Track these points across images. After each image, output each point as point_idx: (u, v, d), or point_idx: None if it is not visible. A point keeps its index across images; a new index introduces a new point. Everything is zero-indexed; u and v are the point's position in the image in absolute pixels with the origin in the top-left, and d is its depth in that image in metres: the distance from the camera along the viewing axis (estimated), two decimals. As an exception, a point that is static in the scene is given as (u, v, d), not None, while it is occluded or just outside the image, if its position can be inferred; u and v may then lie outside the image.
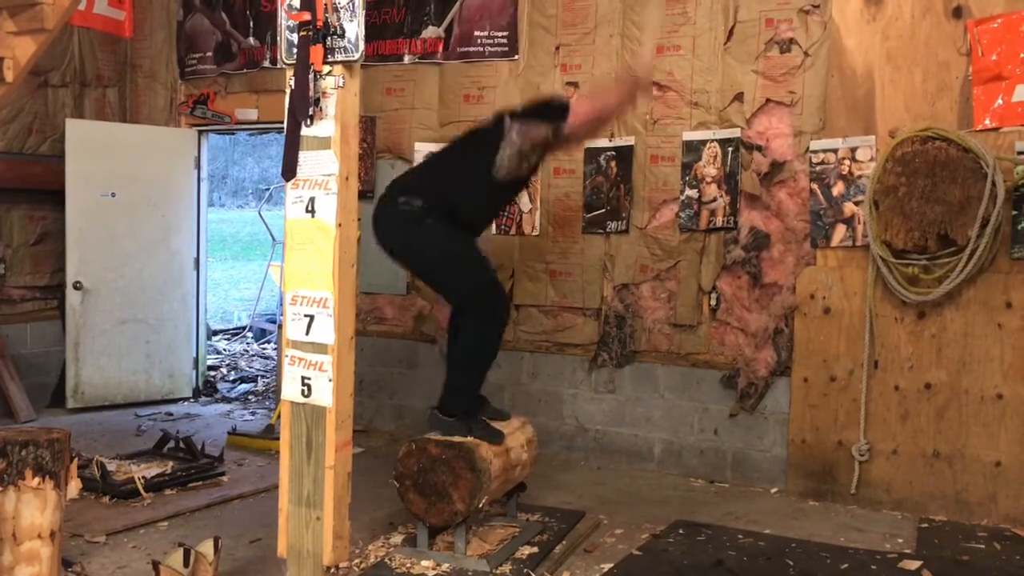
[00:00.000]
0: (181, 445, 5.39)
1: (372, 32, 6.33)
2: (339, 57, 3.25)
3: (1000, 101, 4.72)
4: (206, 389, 7.64)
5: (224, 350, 9.69)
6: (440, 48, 6.27)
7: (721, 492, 5.29)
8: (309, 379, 3.37)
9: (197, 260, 7.46)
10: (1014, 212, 4.67)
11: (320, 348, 3.36)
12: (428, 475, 3.86)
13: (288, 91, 3.31)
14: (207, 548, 3.44)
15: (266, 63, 6.93)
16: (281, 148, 3.42)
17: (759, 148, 5.34)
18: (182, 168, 7.35)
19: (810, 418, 5.15)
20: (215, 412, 7.10)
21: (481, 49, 6.13)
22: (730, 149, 5.40)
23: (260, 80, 7.01)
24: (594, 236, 5.79)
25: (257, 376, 8.35)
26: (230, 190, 29.78)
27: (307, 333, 3.38)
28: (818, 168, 5.15)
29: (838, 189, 5.10)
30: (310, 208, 3.35)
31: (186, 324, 7.40)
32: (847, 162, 5.07)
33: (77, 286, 6.85)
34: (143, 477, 4.86)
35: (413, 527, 4.14)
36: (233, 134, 8.42)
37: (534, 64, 5.97)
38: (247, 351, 9.68)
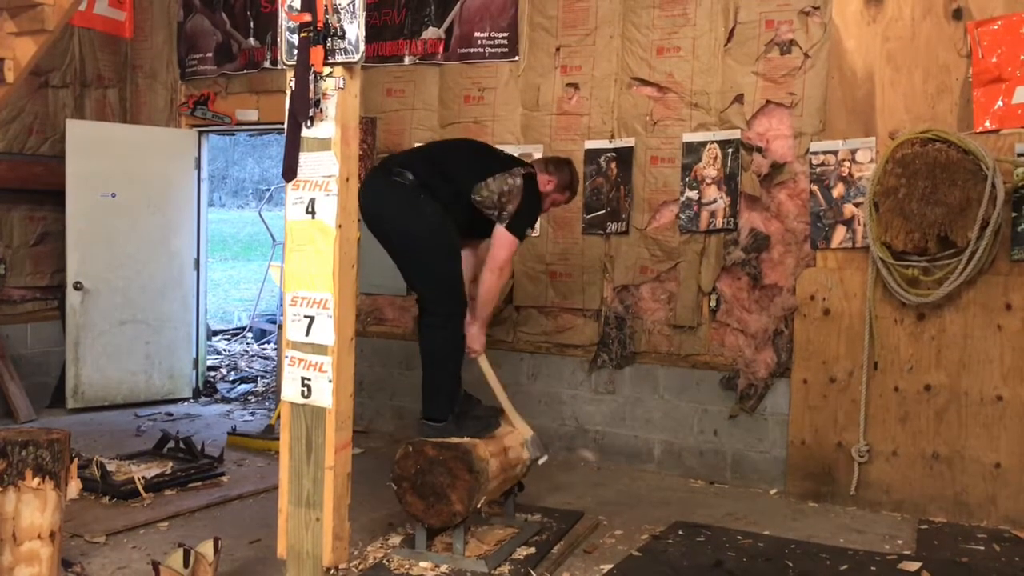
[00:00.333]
0: (181, 445, 5.39)
1: (372, 33, 6.33)
2: (339, 58, 3.25)
3: (1000, 103, 4.72)
4: (206, 389, 7.64)
5: (224, 350, 9.70)
6: (440, 49, 6.27)
7: (721, 493, 5.29)
8: (309, 380, 3.37)
9: (197, 260, 7.46)
10: (1014, 214, 4.68)
11: (320, 349, 3.36)
12: (426, 476, 3.86)
13: (288, 92, 3.31)
14: (207, 549, 3.44)
15: (266, 64, 6.94)
16: (281, 149, 3.42)
17: (759, 149, 5.35)
18: (182, 168, 7.35)
19: (810, 419, 5.15)
20: (215, 412, 7.10)
21: (481, 50, 6.13)
22: (730, 150, 5.40)
23: (260, 81, 7.02)
24: (594, 237, 5.80)
25: (257, 377, 8.35)
26: (230, 190, 29.78)
27: (307, 334, 3.37)
28: (818, 170, 5.15)
29: (838, 191, 5.10)
30: (310, 209, 3.35)
31: (186, 324, 7.40)
32: (847, 164, 5.07)
33: (77, 286, 6.86)
34: (143, 477, 4.86)
35: (412, 528, 4.14)
36: (233, 135, 8.43)
37: (534, 65, 5.97)
38: (247, 352, 9.68)
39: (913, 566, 4.02)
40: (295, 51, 3.27)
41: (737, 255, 5.41)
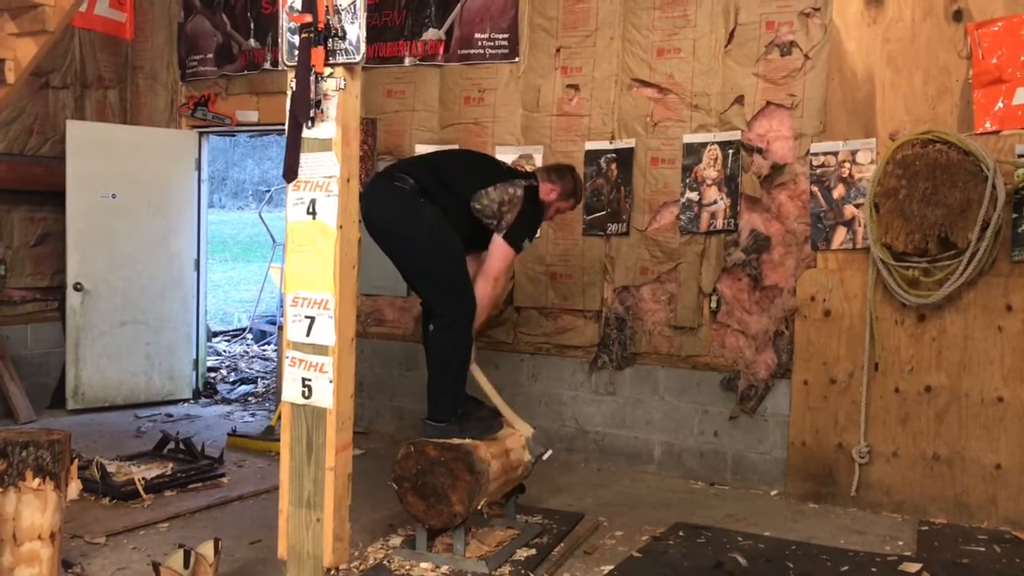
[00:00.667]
0: (181, 446, 5.39)
1: (373, 34, 6.33)
2: (340, 59, 3.25)
3: (1000, 104, 4.72)
4: (206, 390, 7.64)
5: (224, 351, 9.70)
6: (441, 50, 6.27)
7: (721, 494, 5.28)
8: (310, 380, 3.37)
9: (197, 261, 7.47)
10: (1014, 215, 4.68)
11: (321, 350, 3.36)
12: (427, 477, 3.86)
13: (289, 93, 3.31)
14: (207, 549, 3.44)
15: (267, 65, 6.94)
16: (282, 150, 3.42)
17: (759, 151, 5.35)
18: (182, 169, 7.36)
19: (810, 420, 5.15)
20: (215, 413, 7.10)
21: (482, 51, 6.13)
22: (730, 151, 5.40)
23: (261, 82, 7.02)
24: (594, 238, 5.80)
25: (257, 378, 8.35)
26: (230, 192, 29.79)
27: (308, 334, 3.37)
28: (818, 171, 5.15)
29: (838, 192, 5.10)
30: (311, 210, 3.35)
31: (186, 325, 7.40)
32: (847, 165, 5.07)
33: (77, 287, 6.86)
34: (143, 478, 4.86)
35: (412, 529, 4.14)
36: (233, 136, 8.43)
37: (535, 66, 5.97)
38: (247, 352, 9.68)
39: (914, 567, 4.02)
40: (296, 52, 3.27)
41: (737, 256, 5.41)
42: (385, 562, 3.96)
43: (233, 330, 11.14)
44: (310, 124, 3.29)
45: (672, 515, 4.78)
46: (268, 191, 14.34)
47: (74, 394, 6.88)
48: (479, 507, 3.94)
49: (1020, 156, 4.68)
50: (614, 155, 5.72)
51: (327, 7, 3.21)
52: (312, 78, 3.23)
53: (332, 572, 3.38)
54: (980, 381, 4.75)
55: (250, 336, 10.49)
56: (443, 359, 4.13)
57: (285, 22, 3.33)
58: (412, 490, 3.90)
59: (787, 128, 5.28)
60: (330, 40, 3.23)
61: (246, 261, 18.98)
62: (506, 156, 5.77)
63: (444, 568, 3.91)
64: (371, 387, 6.50)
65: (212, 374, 8.21)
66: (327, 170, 3.32)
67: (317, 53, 3.22)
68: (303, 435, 3.40)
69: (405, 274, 4.27)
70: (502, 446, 4.15)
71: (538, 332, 5.98)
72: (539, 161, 5.83)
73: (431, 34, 6.31)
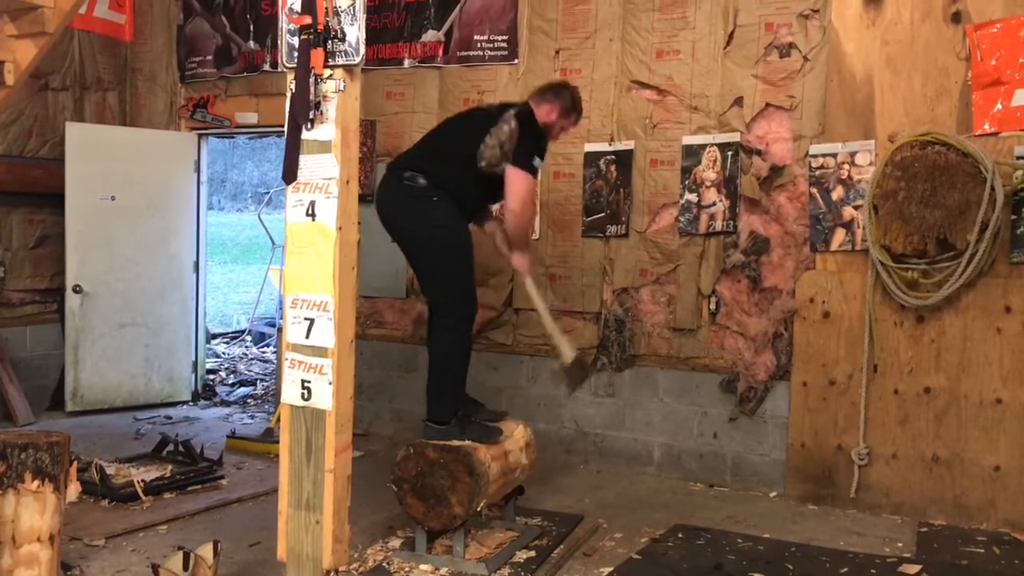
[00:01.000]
0: (180, 448, 5.38)
1: (372, 36, 6.33)
2: (340, 61, 3.25)
3: (999, 106, 4.72)
4: (205, 392, 7.64)
5: (223, 353, 9.69)
6: (440, 52, 6.28)
7: (720, 496, 5.28)
8: (309, 382, 3.37)
9: (196, 263, 7.46)
10: (1013, 216, 4.68)
11: (320, 351, 3.36)
12: (426, 479, 3.86)
13: (289, 95, 3.31)
14: (206, 551, 3.44)
15: (266, 67, 6.94)
16: (281, 152, 3.42)
17: (759, 152, 5.35)
18: (182, 171, 7.35)
19: (809, 422, 5.15)
20: (214, 415, 7.10)
21: (481, 53, 6.14)
22: (729, 153, 5.41)
23: (260, 84, 7.02)
24: (594, 240, 5.80)
25: (256, 380, 8.35)
26: (229, 193, 29.80)
27: (307, 336, 3.37)
28: (817, 172, 5.15)
29: (837, 193, 5.10)
30: (311, 211, 3.35)
31: (185, 327, 7.40)
32: (846, 166, 5.07)
33: (76, 289, 6.85)
34: (142, 480, 4.86)
35: (412, 531, 4.14)
36: (233, 137, 8.43)
37: (534, 68, 5.97)
38: (246, 355, 9.67)
39: (913, 569, 4.02)
40: (295, 53, 3.27)
41: (736, 258, 5.41)
42: (384, 564, 3.96)
43: (232, 332, 11.13)
44: (310, 126, 3.30)
45: (671, 517, 4.78)
46: (267, 193, 14.35)
47: (73, 396, 6.88)
48: (479, 509, 3.94)
49: (1019, 158, 4.68)
50: (613, 157, 5.72)
51: (327, 9, 3.21)
52: (312, 80, 3.24)
53: (331, 574, 3.38)
54: (979, 383, 4.75)
55: (249, 338, 10.49)
56: (444, 359, 4.13)
57: (285, 24, 3.33)
58: (412, 492, 3.90)
59: (786, 130, 5.29)
60: (330, 42, 3.23)
61: (245, 263, 18.98)
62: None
63: (444, 570, 3.91)
64: (370, 389, 6.49)
65: (211, 376, 8.21)
66: (327, 172, 3.32)
67: (317, 55, 3.22)
68: (302, 437, 3.39)
69: (416, 272, 4.32)
70: (501, 448, 4.15)
71: (537, 334, 5.97)
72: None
73: (430, 36, 6.31)
